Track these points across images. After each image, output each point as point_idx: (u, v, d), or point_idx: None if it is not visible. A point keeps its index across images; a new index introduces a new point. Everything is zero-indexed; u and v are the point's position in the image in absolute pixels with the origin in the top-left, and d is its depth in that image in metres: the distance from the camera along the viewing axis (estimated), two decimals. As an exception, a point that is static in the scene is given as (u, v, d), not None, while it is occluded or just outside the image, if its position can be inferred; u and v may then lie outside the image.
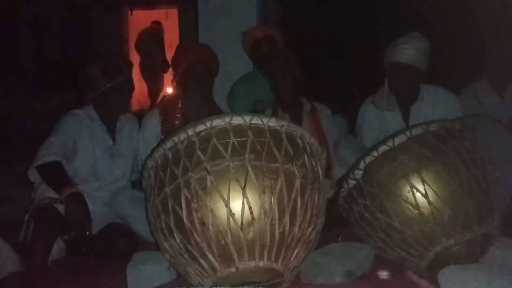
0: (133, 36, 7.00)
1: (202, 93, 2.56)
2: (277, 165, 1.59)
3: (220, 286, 1.57)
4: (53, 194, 2.01)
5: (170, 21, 6.82)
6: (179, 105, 2.58)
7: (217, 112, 2.63)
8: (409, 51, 2.39)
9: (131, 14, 7.05)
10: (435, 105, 2.55)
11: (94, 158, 2.36)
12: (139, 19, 7.10)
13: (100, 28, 6.39)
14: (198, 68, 2.53)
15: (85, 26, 6.18)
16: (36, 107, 5.03)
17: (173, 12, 6.49)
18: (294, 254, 1.63)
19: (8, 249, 2.04)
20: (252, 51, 3.04)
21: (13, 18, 5.78)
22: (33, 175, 2.14)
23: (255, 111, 2.45)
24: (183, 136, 1.65)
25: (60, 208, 1.97)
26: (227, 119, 1.64)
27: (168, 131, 2.51)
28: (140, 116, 2.70)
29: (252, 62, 3.13)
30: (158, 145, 1.75)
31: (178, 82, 2.67)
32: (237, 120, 1.64)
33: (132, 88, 2.44)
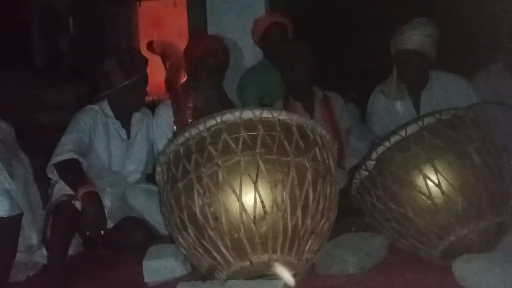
0: (142, 27, 6.99)
1: (212, 84, 2.56)
2: (288, 158, 1.59)
3: (234, 279, 1.60)
4: (71, 191, 2.04)
5: (178, 10, 6.79)
6: (191, 96, 2.59)
7: (228, 103, 2.64)
8: (416, 37, 2.36)
9: (139, 5, 7.03)
10: (446, 91, 2.53)
11: (109, 153, 2.39)
12: (148, 9, 7.08)
13: (110, 19, 6.39)
14: (208, 60, 2.53)
15: (95, 17, 6.18)
16: (47, 99, 5.06)
17: (182, 2, 6.45)
18: (307, 247, 1.64)
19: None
20: (262, 39, 3.02)
21: (23, 9, 5.80)
22: (51, 172, 2.17)
23: (262, 105, 2.45)
24: (194, 131, 1.66)
25: (77, 204, 2.00)
26: (237, 113, 1.65)
27: (180, 121, 2.53)
28: (152, 106, 2.71)
29: (262, 51, 3.12)
30: (170, 140, 1.76)
31: (189, 74, 2.68)
32: (247, 114, 1.65)
33: (147, 83, 2.45)
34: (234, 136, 1.61)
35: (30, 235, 2.02)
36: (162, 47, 6.59)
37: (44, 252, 2.03)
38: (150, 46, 6.69)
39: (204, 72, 2.54)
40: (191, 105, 2.57)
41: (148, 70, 2.45)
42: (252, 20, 3.17)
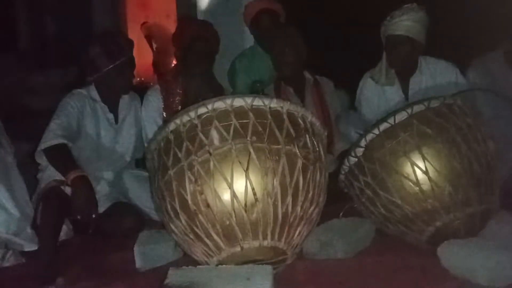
0: (130, 8, 6.87)
1: (202, 69, 2.54)
2: (279, 146, 1.61)
3: (225, 265, 1.62)
4: (60, 176, 2.03)
5: (167, -9, 6.68)
6: (180, 82, 2.57)
7: (218, 88, 2.62)
8: (406, 22, 2.37)
9: (128, -14, 6.89)
10: (435, 77, 2.55)
11: (98, 138, 2.38)
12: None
13: (98, 1, 6.26)
14: (197, 44, 2.50)
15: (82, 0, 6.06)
16: (34, 83, 4.99)
17: (170, -18, 6.34)
18: (297, 233, 1.67)
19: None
20: (253, 24, 2.99)
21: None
22: (40, 158, 2.16)
23: (254, 91, 2.44)
24: (185, 118, 1.66)
25: (67, 190, 2.00)
26: (228, 101, 1.65)
27: (169, 107, 2.52)
28: (141, 89, 2.68)
29: (253, 36, 3.09)
30: (161, 127, 1.76)
31: (178, 58, 2.66)
32: (238, 102, 1.65)
33: (133, 66, 2.43)
34: (225, 123, 1.62)
35: (7, 207, 2.01)
36: (148, 30, 6.46)
37: (26, 238, 2.03)
38: (142, 27, 6.55)
39: (192, 57, 2.52)
40: (181, 91, 2.56)
41: (135, 51, 2.42)
42: (241, 4, 3.15)
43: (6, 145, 2.15)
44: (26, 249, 2.03)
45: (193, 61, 2.52)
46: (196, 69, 2.53)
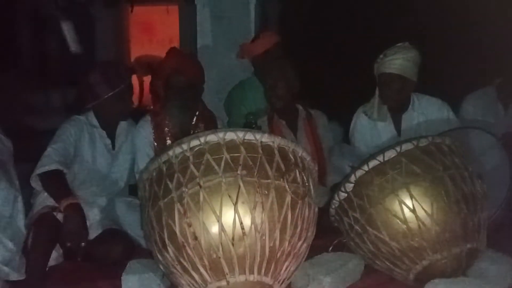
0: (134, 32, 7.00)
1: (181, 103, 2.52)
2: (269, 181, 1.63)
3: (211, 298, 1.62)
4: (53, 202, 2.05)
5: (170, 17, 6.82)
6: (168, 113, 2.58)
7: (210, 118, 2.63)
8: (398, 61, 2.44)
9: (132, 11, 7.04)
10: (427, 114, 2.61)
11: (94, 163, 2.40)
12: (140, 15, 7.09)
13: (101, 23, 6.38)
14: (174, 79, 2.49)
15: (85, 21, 6.18)
16: (35, 102, 5.05)
17: (174, 9, 6.49)
18: (284, 268, 1.68)
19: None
20: (263, 55, 2.96)
21: (12, 12, 5.78)
22: (35, 182, 2.18)
23: (247, 123, 2.47)
24: (177, 150, 1.69)
25: (59, 216, 2.01)
26: (220, 134, 1.68)
27: (160, 138, 2.52)
28: (140, 113, 2.69)
29: (255, 67, 3.07)
30: (154, 157, 1.79)
31: (162, 92, 2.67)
32: (230, 135, 1.68)
33: (132, 93, 2.47)
34: (216, 157, 1.64)
35: (2, 240, 1.93)
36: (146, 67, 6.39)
37: (14, 267, 1.96)
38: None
39: (170, 90, 2.52)
40: (168, 122, 2.57)
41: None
42: (242, 34, 3.21)
43: (13, 175, 2.14)
44: (11, 279, 1.96)
45: (171, 95, 2.52)
46: (176, 102, 2.52)
